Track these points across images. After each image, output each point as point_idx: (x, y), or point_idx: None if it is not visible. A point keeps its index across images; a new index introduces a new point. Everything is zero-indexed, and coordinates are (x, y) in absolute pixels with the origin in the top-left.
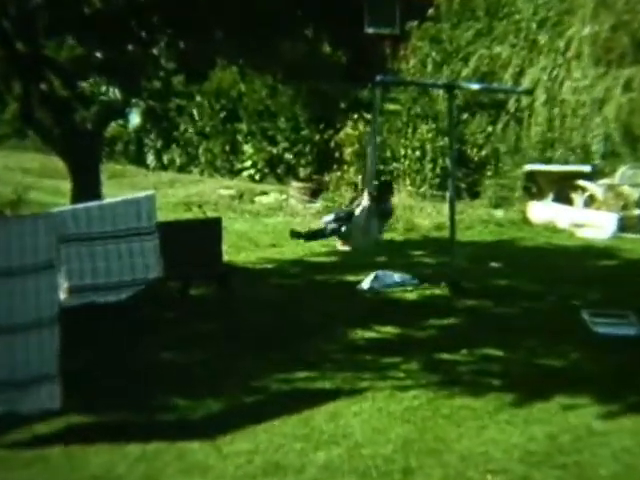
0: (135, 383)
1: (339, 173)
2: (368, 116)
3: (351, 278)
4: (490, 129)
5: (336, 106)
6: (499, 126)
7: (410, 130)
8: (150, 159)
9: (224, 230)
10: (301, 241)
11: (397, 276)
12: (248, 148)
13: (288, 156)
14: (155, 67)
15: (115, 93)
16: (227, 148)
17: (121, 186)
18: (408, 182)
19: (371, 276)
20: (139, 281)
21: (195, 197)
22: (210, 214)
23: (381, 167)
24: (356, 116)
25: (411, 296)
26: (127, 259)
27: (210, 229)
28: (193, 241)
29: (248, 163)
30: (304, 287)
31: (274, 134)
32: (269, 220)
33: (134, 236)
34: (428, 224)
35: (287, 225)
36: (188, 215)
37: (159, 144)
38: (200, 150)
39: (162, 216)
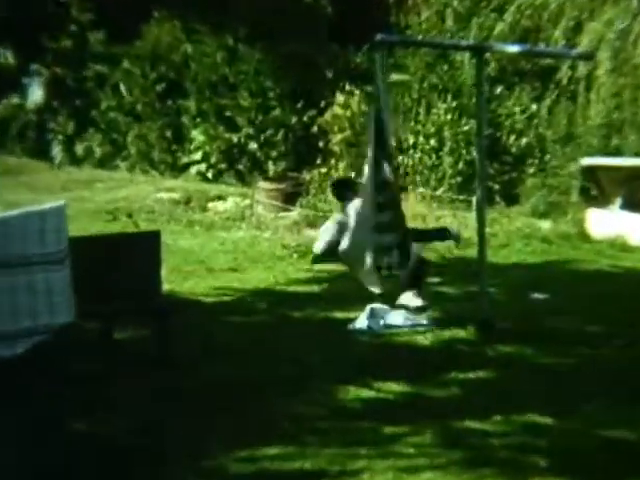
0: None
1: (324, 169)
2: (364, 89)
3: (340, 315)
4: (534, 108)
5: (320, 76)
6: (546, 103)
7: (423, 110)
8: (56, 150)
9: (164, 249)
10: (271, 265)
11: (403, 313)
12: (197, 134)
13: (253, 146)
14: (64, 19)
15: (6, 56)
16: (168, 134)
17: (16, 188)
18: (419, 182)
19: (366, 312)
20: (42, 328)
21: (123, 203)
22: (144, 226)
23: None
24: (347, 89)
25: (424, 340)
26: (25, 298)
27: (143, 247)
28: (119, 265)
29: (197, 155)
30: (275, 327)
31: (234, 115)
32: (227, 235)
33: (35, 265)
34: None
35: (253, 241)
36: (113, 228)
37: (70, 129)
38: (129, 137)
39: (75, 230)
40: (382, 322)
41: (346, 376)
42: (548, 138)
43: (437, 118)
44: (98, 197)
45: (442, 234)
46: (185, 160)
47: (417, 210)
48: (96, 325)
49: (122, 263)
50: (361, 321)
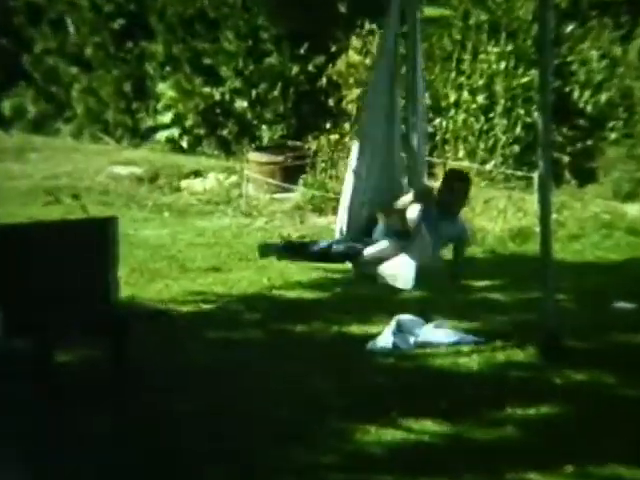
0: None
1: (335, 136)
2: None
3: (356, 329)
4: (618, 51)
5: (330, 11)
6: (637, 45)
7: (467, 56)
8: None
9: (122, 241)
10: (265, 263)
11: (442, 329)
12: (166, 89)
13: (241, 105)
14: None
15: None
16: (126, 89)
17: None
18: (462, 153)
19: (391, 326)
20: None
21: (66, 179)
22: (96, 211)
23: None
24: (366, 29)
25: (470, 363)
26: None
27: (94, 239)
28: (62, 263)
29: (167, 117)
30: (271, 346)
31: (215, 63)
32: (207, 223)
33: None
34: (500, 230)
35: (240, 232)
36: (53, 213)
37: None
38: (74, 92)
39: (1, 215)
40: (413, 339)
41: (366, 412)
42: (638, 92)
43: (486, 67)
44: (32, 171)
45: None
46: (150, 123)
47: None
48: (28, 347)
49: (65, 261)
50: (385, 338)
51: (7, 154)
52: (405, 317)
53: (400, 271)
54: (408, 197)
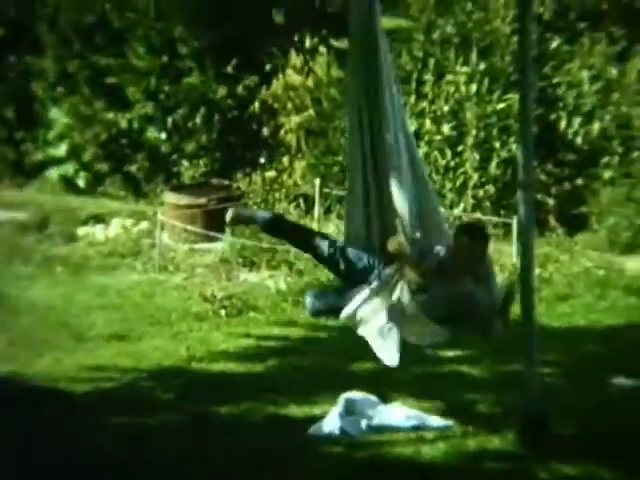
0: None
1: (271, 173)
2: (332, 45)
3: (296, 411)
4: (613, 73)
5: (264, 20)
6: (635, 66)
7: (431, 77)
8: None
9: (2, 303)
10: (183, 329)
11: (401, 410)
12: (59, 115)
13: (154, 134)
14: None
15: None
16: (8, 114)
17: None
18: None
19: (339, 406)
20: None
21: None
22: None
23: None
24: (308, 45)
25: (434, 452)
26: None
27: None
28: None
29: (60, 149)
30: (189, 434)
31: (121, 83)
32: (111, 280)
33: None
34: None
35: (152, 290)
36: None
37: None
38: None
39: None
40: (366, 422)
41: None
42: (636, 122)
43: (454, 90)
44: None
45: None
46: (39, 157)
47: None
48: None
49: None
50: (332, 421)
51: None
52: (355, 396)
53: (388, 343)
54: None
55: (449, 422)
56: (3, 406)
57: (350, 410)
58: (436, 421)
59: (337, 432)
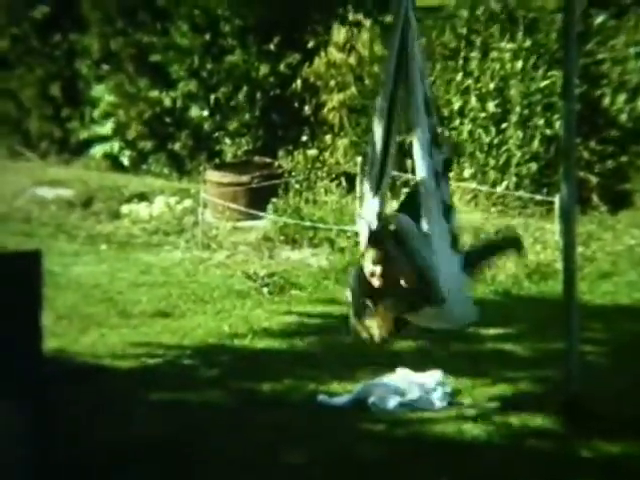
0: None
1: (313, 151)
2: (380, 19)
3: (337, 387)
4: None
5: None
6: None
7: (476, 54)
8: None
9: (47, 281)
10: (225, 306)
11: (433, 388)
12: (103, 93)
13: (197, 112)
14: None
15: None
16: (54, 92)
17: None
18: (469, 172)
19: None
20: None
21: None
22: (14, 244)
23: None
24: (351, 20)
25: (475, 431)
26: None
27: (9, 279)
28: None
29: (105, 127)
30: (232, 411)
31: (164, 61)
32: (154, 258)
33: None
34: (515, 266)
35: (195, 268)
36: None
37: None
38: None
39: None
40: (398, 399)
41: None
42: None
43: (499, 67)
44: None
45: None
46: (84, 135)
47: (465, 218)
48: None
49: None
50: (363, 396)
51: None
52: (383, 382)
53: None
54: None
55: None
56: (50, 383)
57: (370, 390)
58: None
59: (381, 406)
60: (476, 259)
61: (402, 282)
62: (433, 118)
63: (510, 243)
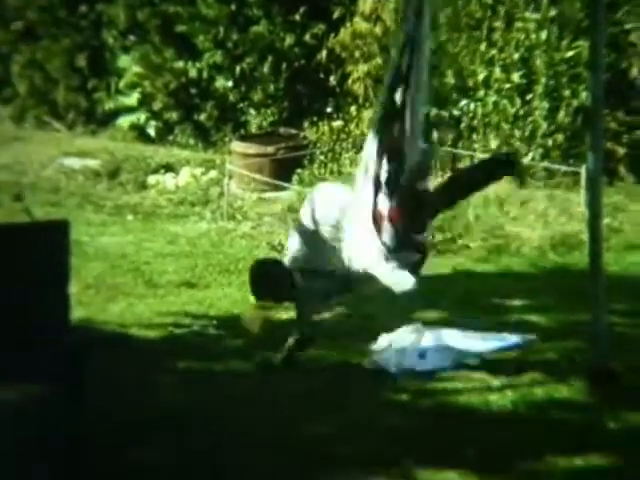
0: None
1: (338, 123)
2: None
3: (363, 357)
4: None
5: None
6: None
7: (501, 24)
8: None
9: (75, 251)
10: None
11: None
12: (129, 63)
13: (222, 83)
14: None
15: None
16: (80, 62)
17: None
18: (494, 143)
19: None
20: None
21: (5, 174)
22: (42, 214)
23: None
24: None
25: (502, 400)
26: None
27: (38, 249)
28: None
29: (131, 99)
30: (258, 380)
31: (190, 32)
32: (180, 228)
33: None
34: (540, 237)
35: (221, 239)
36: None
37: None
38: (15, 66)
39: None
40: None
41: (374, 461)
42: None
43: (524, 37)
44: None
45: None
46: (110, 106)
47: (491, 189)
48: None
49: (1, 275)
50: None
51: None
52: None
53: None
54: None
55: (532, 337)
56: (81, 351)
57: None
58: (515, 338)
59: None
60: (463, 182)
61: None
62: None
63: (504, 164)
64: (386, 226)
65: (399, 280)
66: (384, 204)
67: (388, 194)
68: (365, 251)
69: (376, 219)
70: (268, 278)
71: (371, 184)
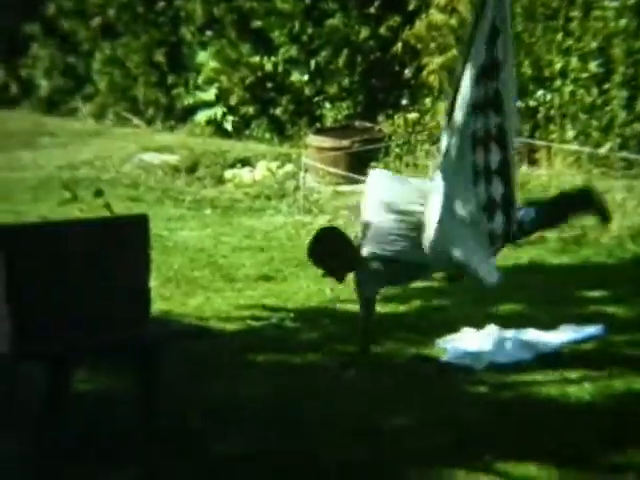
0: None
1: (414, 115)
2: None
3: (439, 351)
4: None
5: None
6: None
7: (578, 13)
8: None
9: (154, 244)
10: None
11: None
12: (207, 59)
13: (298, 77)
14: None
15: None
16: (159, 58)
17: None
18: (571, 133)
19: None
20: None
21: (86, 170)
22: (121, 208)
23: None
24: None
25: (580, 393)
26: None
27: (119, 243)
28: (80, 272)
29: (209, 94)
30: (335, 374)
31: (266, 26)
32: (257, 222)
33: None
34: (618, 228)
35: (297, 232)
36: (69, 211)
37: None
38: (95, 63)
39: (5, 213)
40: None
41: (453, 454)
42: None
43: (602, 26)
44: (45, 161)
45: (581, 201)
46: (189, 101)
47: (566, 179)
48: (39, 370)
49: (85, 269)
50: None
51: (14, 139)
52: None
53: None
54: None
55: (603, 330)
56: (162, 342)
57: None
58: (588, 330)
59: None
60: (543, 216)
61: None
62: (497, 81)
63: (586, 202)
64: (498, 214)
65: (489, 273)
66: (497, 191)
67: (502, 182)
68: (460, 239)
69: (490, 206)
70: (327, 243)
71: (470, 173)
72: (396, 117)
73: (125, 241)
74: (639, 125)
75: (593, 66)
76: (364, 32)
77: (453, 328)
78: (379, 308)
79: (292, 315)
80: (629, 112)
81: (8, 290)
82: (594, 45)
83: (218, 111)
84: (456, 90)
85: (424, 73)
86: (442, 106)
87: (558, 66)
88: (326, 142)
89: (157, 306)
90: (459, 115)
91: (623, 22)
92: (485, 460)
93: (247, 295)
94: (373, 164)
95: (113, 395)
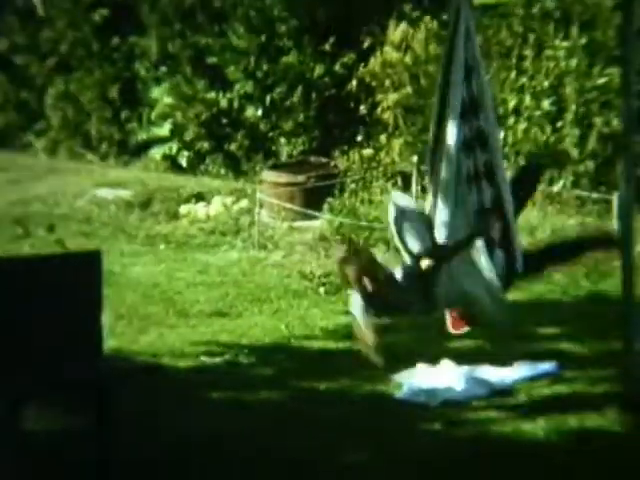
0: None
1: (369, 151)
2: (436, 15)
3: (394, 388)
4: None
5: None
6: None
7: (531, 52)
8: None
9: (107, 281)
10: (282, 306)
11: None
12: (161, 94)
13: (253, 112)
14: None
15: None
16: (113, 94)
17: None
18: None
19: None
20: None
21: (39, 206)
22: (75, 244)
23: None
24: (408, 16)
25: (534, 430)
26: None
27: (71, 280)
28: (30, 309)
29: (163, 129)
30: (290, 410)
31: (221, 63)
32: (212, 258)
33: None
34: (572, 265)
35: (252, 268)
36: (21, 248)
37: None
38: (49, 98)
39: None
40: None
41: None
42: None
43: (554, 65)
44: None
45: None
46: (143, 137)
47: (522, 217)
48: None
49: (36, 307)
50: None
51: None
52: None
53: None
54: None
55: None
56: (113, 380)
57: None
58: (542, 367)
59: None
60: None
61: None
62: (479, 119)
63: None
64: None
65: (500, 310)
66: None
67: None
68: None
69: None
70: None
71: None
72: (351, 153)
73: (78, 276)
74: (591, 163)
75: (546, 104)
76: (319, 69)
77: (409, 363)
78: (337, 344)
79: (246, 351)
80: (582, 150)
81: None
82: (547, 84)
83: (173, 146)
84: (438, 127)
85: (379, 110)
86: (397, 143)
87: (512, 104)
88: (281, 177)
89: (110, 343)
90: (450, 150)
91: (574, 62)
92: None
93: (201, 331)
94: (329, 200)
95: (66, 431)
